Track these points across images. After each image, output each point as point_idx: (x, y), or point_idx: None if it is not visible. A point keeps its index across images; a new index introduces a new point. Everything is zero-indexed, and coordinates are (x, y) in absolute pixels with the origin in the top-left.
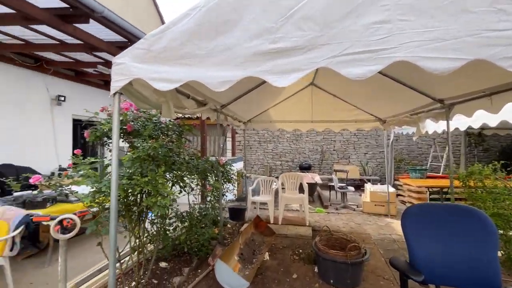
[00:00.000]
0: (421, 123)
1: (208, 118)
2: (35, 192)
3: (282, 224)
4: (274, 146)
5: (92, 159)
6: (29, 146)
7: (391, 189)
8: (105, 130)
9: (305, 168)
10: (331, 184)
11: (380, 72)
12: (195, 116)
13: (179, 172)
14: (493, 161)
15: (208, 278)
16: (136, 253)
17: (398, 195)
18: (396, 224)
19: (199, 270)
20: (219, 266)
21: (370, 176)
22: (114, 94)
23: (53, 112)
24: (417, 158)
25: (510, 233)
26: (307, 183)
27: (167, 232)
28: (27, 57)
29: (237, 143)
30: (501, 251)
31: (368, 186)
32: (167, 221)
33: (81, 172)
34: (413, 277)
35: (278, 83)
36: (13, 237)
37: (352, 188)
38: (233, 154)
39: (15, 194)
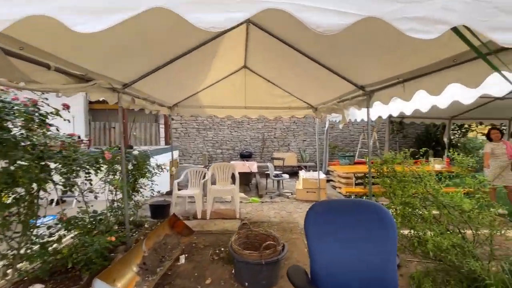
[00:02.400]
0: (346, 111)
1: (104, 102)
2: None
3: (211, 218)
4: (214, 133)
5: None
6: None
7: (322, 176)
8: None
9: (246, 156)
10: (268, 172)
11: (305, 54)
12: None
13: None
14: (411, 147)
15: None
16: None
17: (330, 180)
18: None
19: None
20: (97, 286)
21: (307, 162)
22: None
23: None
24: (350, 145)
25: (416, 224)
26: (241, 172)
27: (45, 245)
28: None
29: (174, 131)
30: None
31: (302, 173)
32: (37, 231)
33: None
34: None
35: (80, 27)
36: None
37: (286, 176)
38: (167, 143)
39: None
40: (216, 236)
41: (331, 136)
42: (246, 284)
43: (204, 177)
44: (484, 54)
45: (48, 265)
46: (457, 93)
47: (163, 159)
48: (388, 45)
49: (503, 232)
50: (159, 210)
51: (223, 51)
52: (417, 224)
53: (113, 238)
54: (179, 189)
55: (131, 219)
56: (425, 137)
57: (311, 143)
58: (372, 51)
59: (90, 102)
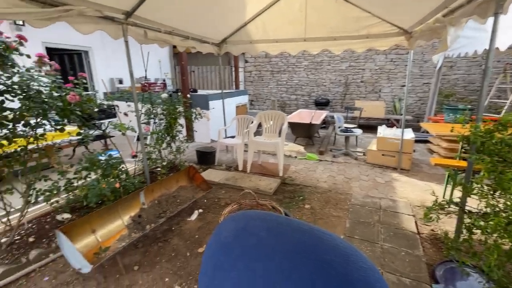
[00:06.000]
0: (453, 29)
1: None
2: None
3: (251, 172)
4: (289, 76)
5: None
6: None
7: (410, 135)
8: None
9: (322, 104)
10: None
11: None
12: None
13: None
14: None
15: None
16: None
17: (424, 142)
18: (402, 183)
19: None
20: (59, 238)
21: (400, 115)
22: None
23: None
24: (477, 92)
25: None
26: (302, 123)
27: (71, 184)
28: None
29: (248, 74)
30: None
31: (381, 130)
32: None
33: None
34: None
35: None
36: None
37: (358, 131)
38: (237, 86)
39: None
40: (245, 194)
41: (446, 80)
42: None
43: (250, 125)
44: None
45: (71, 201)
46: None
47: (227, 104)
48: None
49: None
50: (206, 156)
51: None
52: None
53: (117, 185)
54: (232, 137)
55: (176, 162)
56: None
57: (413, 89)
58: None
59: (174, 46)
